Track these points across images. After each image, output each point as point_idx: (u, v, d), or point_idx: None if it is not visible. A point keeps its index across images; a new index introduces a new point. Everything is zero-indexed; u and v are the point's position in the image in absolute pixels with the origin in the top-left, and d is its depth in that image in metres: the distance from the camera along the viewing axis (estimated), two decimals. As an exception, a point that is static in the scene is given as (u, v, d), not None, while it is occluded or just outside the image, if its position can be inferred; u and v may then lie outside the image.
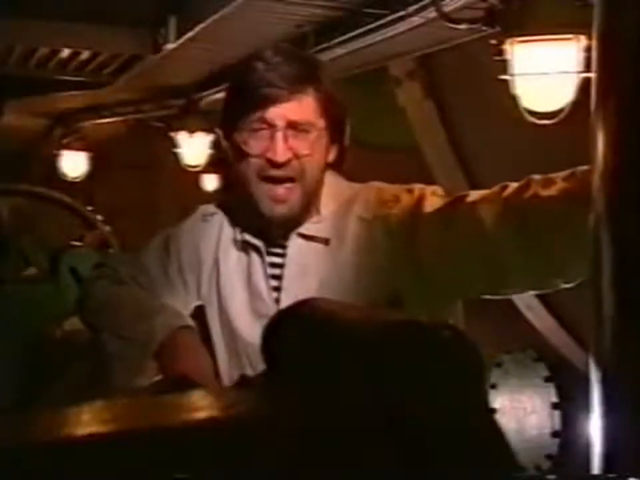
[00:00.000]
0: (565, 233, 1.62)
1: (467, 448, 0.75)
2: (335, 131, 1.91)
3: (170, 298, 2.03)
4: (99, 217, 4.39)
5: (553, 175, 1.74)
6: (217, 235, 2.01)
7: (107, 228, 4.34)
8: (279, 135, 1.83)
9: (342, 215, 1.94)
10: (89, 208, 4.46)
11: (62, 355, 3.15)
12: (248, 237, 1.97)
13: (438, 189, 1.94)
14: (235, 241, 1.99)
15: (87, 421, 0.75)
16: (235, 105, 1.90)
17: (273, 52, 1.89)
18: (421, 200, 1.89)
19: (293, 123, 1.84)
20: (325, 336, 0.83)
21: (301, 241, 1.94)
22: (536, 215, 1.72)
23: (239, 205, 2.01)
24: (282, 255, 1.96)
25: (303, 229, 1.94)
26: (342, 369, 0.78)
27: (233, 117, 1.89)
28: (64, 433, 0.72)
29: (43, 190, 4.35)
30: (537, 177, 1.77)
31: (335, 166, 1.97)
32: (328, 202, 1.96)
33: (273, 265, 1.95)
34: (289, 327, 0.87)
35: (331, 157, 1.94)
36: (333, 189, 1.98)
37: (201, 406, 0.80)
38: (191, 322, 1.99)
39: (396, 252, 1.88)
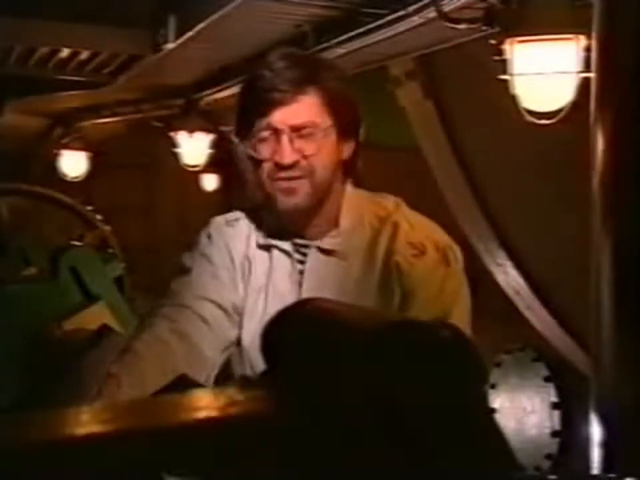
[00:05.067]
0: None
1: (466, 448, 0.75)
2: (344, 128, 1.93)
3: (235, 299, 1.98)
4: (99, 217, 4.38)
5: None
6: (246, 235, 2.02)
7: (107, 227, 4.34)
8: (284, 139, 1.87)
9: (364, 234, 1.96)
10: (89, 207, 4.46)
11: (62, 355, 3.15)
12: (274, 242, 1.99)
13: (459, 259, 1.97)
14: (260, 245, 2.00)
15: (87, 421, 0.75)
16: (245, 113, 1.94)
17: (277, 57, 1.92)
18: (446, 279, 1.92)
19: (295, 127, 1.87)
20: (325, 335, 0.83)
21: (320, 255, 1.96)
22: None
23: (260, 210, 2.02)
24: (302, 272, 1.97)
25: (322, 243, 1.96)
26: (342, 369, 0.78)
27: (245, 125, 1.93)
28: (64, 433, 0.72)
29: (43, 189, 4.34)
30: None
31: (350, 164, 1.98)
32: (348, 217, 1.97)
33: (299, 272, 1.97)
34: (289, 327, 0.87)
35: (346, 154, 1.95)
36: (354, 203, 1.99)
37: (201, 406, 0.80)
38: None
39: (403, 294, 1.92)
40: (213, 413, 0.76)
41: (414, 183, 4.80)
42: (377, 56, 4.28)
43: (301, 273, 1.97)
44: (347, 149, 1.95)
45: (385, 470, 0.73)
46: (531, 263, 4.54)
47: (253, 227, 2.03)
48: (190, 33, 4.16)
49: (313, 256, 1.96)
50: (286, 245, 1.98)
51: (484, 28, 3.34)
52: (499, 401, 4.78)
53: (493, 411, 0.81)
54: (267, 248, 2.00)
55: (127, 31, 4.56)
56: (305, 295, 1.93)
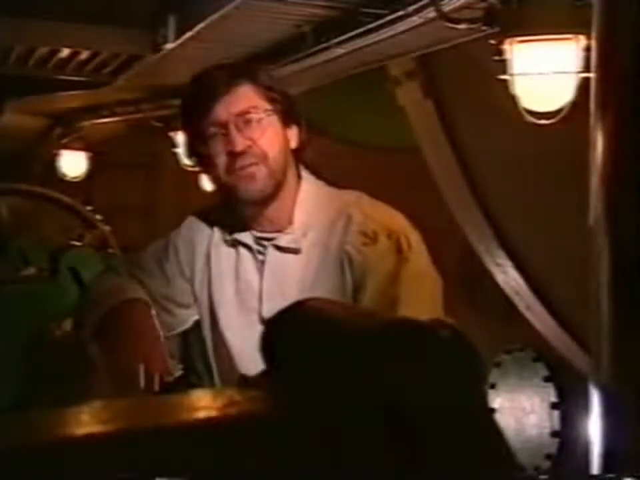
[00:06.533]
0: None
1: (466, 448, 0.75)
2: (285, 114, 2.03)
3: (167, 291, 2.13)
4: (99, 217, 4.39)
5: None
6: (210, 232, 2.14)
7: (107, 228, 4.34)
8: (232, 128, 1.97)
9: (323, 228, 2.03)
10: (89, 208, 4.46)
11: (62, 355, 3.15)
12: (237, 236, 2.09)
13: (415, 244, 1.98)
14: (225, 240, 2.11)
15: (87, 421, 0.75)
16: (188, 123, 2.06)
17: (206, 68, 2.07)
18: (398, 266, 1.94)
19: (239, 114, 1.97)
20: (324, 336, 0.84)
21: (276, 252, 2.05)
22: None
23: (224, 207, 2.13)
24: (263, 253, 2.06)
25: (278, 241, 2.04)
26: (341, 369, 0.78)
27: (190, 132, 2.05)
28: (64, 433, 0.72)
29: (42, 189, 4.34)
30: None
31: (299, 154, 2.07)
32: (303, 212, 2.03)
33: (261, 263, 2.06)
34: (288, 327, 0.87)
35: (293, 142, 2.05)
36: (312, 198, 2.06)
37: (200, 406, 0.80)
38: (145, 296, 2.05)
39: (352, 283, 1.97)
40: (213, 413, 0.76)
41: (414, 183, 4.80)
42: (377, 56, 4.27)
43: (262, 263, 2.05)
44: (292, 137, 2.04)
45: (385, 470, 0.73)
46: (530, 263, 4.54)
47: (219, 222, 2.14)
48: (190, 33, 4.16)
49: (270, 252, 2.05)
50: (246, 239, 2.07)
51: (484, 28, 3.33)
52: (498, 400, 4.78)
53: (492, 410, 0.81)
54: (231, 242, 2.10)
55: (127, 31, 4.55)
56: (266, 287, 2.03)
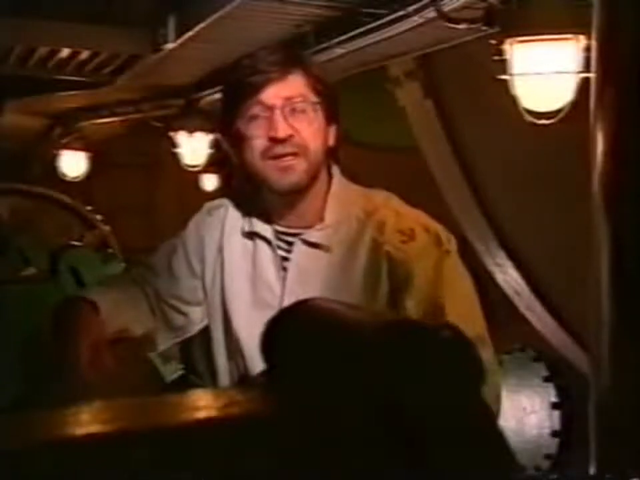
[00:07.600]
0: None
1: (466, 448, 0.75)
2: (328, 110, 1.99)
3: (176, 290, 2.10)
4: (99, 217, 4.39)
5: None
6: (220, 225, 2.08)
7: (107, 228, 4.34)
8: (278, 113, 1.93)
9: (352, 227, 1.99)
10: (89, 208, 4.47)
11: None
12: (255, 228, 2.03)
13: (452, 242, 1.97)
14: (242, 232, 2.05)
15: (87, 421, 0.75)
16: (231, 98, 2.00)
17: (259, 49, 2.02)
18: (442, 257, 1.93)
19: (287, 99, 1.93)
20: (325, 335, 0.84)
21: (305, 247, 1.99)
22: None
23: (245, 197, 2.08)
24: (286, 259, 2.01)
25: (308, 236, 1.99)
26: (342, 369, 0.78)
27: (231, 109, 1.99)
28: (64, 433, 0.72)
29: (42, 189, 4.35)
30: None
31: (334, 153, 2.03)
32: (335, 210, 2.00)
33: (282, 259, 2.01)
34: (289, 326, 0.87)
35: (331, 140, 2.01)
36: (342, 196, 2.02)
37: (200, 406, 0.80)
38: (89, 294, 2.05)
39: (390, 288, 1.94)
40: (213, 413, 0.76)
41: (413, 183, 4.80)
42: (377, 56, 4.28)
43: (285, 260, 2.01)
44: (332, 135, 2.01)
45: (384, 470, 0.73)
46: (531, 263, 4.54)
47: (230, 214, 2.08)
48: (190, 33, 4.16)
49: (298, 247, 2.00)
50: (267, 232, 2.02)
51: (484, 28, 3.34)
52: (498, 400, 4.77)
53: (492, 410, 0.81)
54: (248, 235, 2.05)
55: (127, 31, 4.55)
56: (290, 284, 1.98)
